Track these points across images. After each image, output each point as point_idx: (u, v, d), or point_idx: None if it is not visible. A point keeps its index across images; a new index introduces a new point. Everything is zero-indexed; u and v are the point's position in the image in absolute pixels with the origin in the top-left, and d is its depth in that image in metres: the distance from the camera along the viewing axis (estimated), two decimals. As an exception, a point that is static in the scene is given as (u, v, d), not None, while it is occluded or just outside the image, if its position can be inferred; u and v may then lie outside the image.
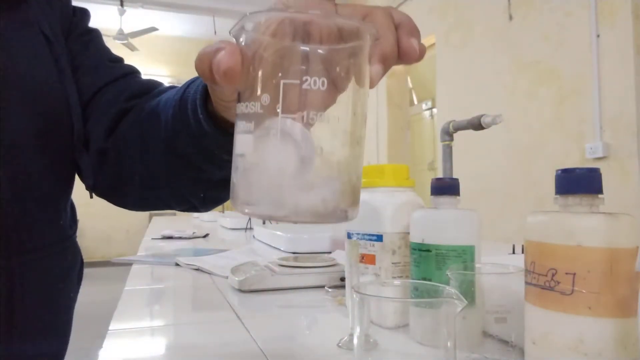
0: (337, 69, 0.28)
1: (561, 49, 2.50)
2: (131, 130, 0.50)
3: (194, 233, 1.74)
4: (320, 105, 0.27)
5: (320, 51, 0.27)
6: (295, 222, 0.27)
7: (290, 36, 0.27)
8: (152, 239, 1.65)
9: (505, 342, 0.42)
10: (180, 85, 0.50)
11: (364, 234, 0.55)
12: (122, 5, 4.57)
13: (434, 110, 4.71)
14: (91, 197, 0.56)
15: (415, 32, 0.30)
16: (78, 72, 0.55)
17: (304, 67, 0.27)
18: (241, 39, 0.28)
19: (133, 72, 0.58)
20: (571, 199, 0.35)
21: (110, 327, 0.56)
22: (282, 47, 0.27)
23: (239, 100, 0.28)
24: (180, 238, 1.65)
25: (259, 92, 0.27)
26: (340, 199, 0.26)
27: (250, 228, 1.95)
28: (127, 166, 0.51)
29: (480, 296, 0.42)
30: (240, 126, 0.27)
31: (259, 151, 0.26)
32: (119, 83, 0.55)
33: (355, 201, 0.27)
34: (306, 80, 0.26)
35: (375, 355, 0.32)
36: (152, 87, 0.55)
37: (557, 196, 0.36)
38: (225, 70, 0.27)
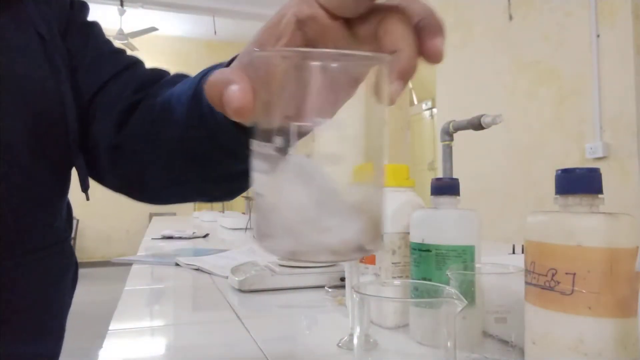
0: (353, 93, 0.27)
1: (561, 49, 2.50)
2: (143, 127, 0.49)
3: (194, 233, 1.74)
4: (337, 142, 0.26)
5: (334, 65, 0.26)
6: (316, 262, 0.27)
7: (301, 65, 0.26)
8: (152, 239, 1.65)
9: (505, 342, 0.42)
10: (190, 76, 0.48)
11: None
12: (122, 5, 4.56)
13: (434, 110, 4.71)
14: (87, 199, 0.55)
15: (438, 30, 0.28)
16: (80, 69, 0.54)
17: (317, 104, 0.26)
18: (251, 72, 0.27)
19: (136, 62, 0.56)
20: (571, 199, 0.35)
21: (110, 327, 0.57)
22: (295, 82, 0.26)
23: (253, 135, 0.27)
24: (180, 238, 1.65)
25: (272, 133, 0.26)
26: (360, 237, 0.26)
27: (250, 228, 1.95)
28: (142, 163, 0.50)
29: (480, 296, 0.42)
30: (257, 165, 0.27)
31: (276, 194, 0.26)
32: (123, 76, 0.54)
33: (376, 235, 0.27)
34: (320, 122, 0.25)
35: (375, 355, 0.32)
36: (159, 76, 0.54)
37: (557, 196, 0.36)
38: (236, 108, 0.26)
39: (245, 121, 0.27)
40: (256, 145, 0.27)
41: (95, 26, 0.58)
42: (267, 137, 0.26)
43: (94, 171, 0.55)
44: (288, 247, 0.25)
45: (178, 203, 0.54)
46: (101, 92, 0.53)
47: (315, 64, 0.25)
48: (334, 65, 0.26)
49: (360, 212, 0.26)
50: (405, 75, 0.27)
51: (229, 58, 0.39)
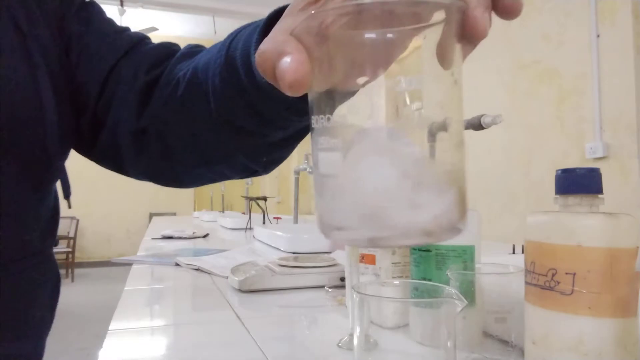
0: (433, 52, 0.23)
1: (561, 49, 2.50)
2: (170, 106, 0.45)
3: (194, 233, 1.74)
4: (418, 105, 0.23)
5: (403, 16, 0.22)
6: (403, 246, 0.24)
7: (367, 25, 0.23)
8: (152, 239, 1.65)
9: (505, 342, 0.42)
10: (205, 47, 0.45)
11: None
12: (122, 5, 4.56)
13: (434, 110, 4.71)
14: (69, 207, 0.50)
15: None
16: (84, 55, 0.49)
17: (393, 62, 0.22)
18: (309, 37, 0.24)
19: (143, 39, 0.52)
20: (571, 199, 0.35)
21: (110, 327, 0.56)
22: (361, 39, 0.23)
23: (313, 111, 0.24)
24: (180, 238, 1.65)
25: (341, 102, 0.23)
26: (452, 213, 0.22)
27: (250, 228, 1.95)
28: (173, 146, 0.46)
29: (480, 296, 0.42)
30: (322, 143, 0.23)
31: (353, 170, 0.22)
32: (133, 55, 0.49)
33: (465, 211, 0.23)
34: (399, 81, 0.22)
35: (375, 355, 0.32)
36: (170, 50, 0.50)
37: (557, 196, 0.36)
38: (291, 82, 0.23)
39: (300, 94, 0.24)
40: (322, 122, 0.23)
41: (94, 6, 0.53)
42: (331, 108, 0.23)
43: (113, 162, 0.51)
44: (368, 232, 0.22)
45: (210, 183, 0.51)
46: (112, 76, 0.48)
47: (384, 15, 0.22)
48: (404, 16, 0.22)
49: (451, 185, 0.23)
50: (473, 32, 0.23)
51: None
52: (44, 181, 0.48)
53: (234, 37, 0.38)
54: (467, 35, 0.23)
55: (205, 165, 0.47)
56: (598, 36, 2.29)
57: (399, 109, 0.22)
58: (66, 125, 0.48)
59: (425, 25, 0.23)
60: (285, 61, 0.23)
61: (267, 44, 0.25)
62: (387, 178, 0.22)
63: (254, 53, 0.32)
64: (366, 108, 0.23)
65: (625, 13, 2.18)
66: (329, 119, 0.23)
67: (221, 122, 0.41)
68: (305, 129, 0.41)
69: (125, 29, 0.53)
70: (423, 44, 0.23)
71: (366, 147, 0.22)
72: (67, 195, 0.50)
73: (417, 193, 0.22)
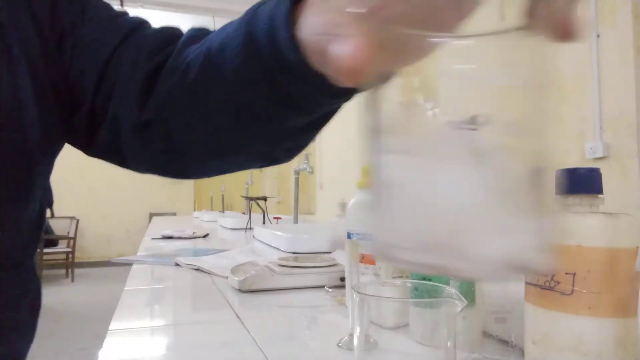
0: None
1: (561, 49, 2.50)
2: (178, 95, 0.41)
3: (194, 233, 1.74)
4: (509, 109, 0.19)
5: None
6: (480, 279, 0.20)
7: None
8: (152, 239, 1.65)
9: (505, 342, 0.42)
10: (211, 30, 0.42)
11: (364, 234, 0.55)
12: (122, 5, 4.57)
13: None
14: (52, 215, 0.49)
15: None
16: (78, 45, 0.46)
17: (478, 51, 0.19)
18: (365, 17, 0.21)
19: (142, 22, 0.48)
20: (571, 199, 0.35)
21: (110, 327, 0.57)
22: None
23: (375, 103, 0.20)
24: (180, 238, 1.65)
25: (415, 94, 0.20)
26: (543, 244, 0.18)
27: (250, 228, 1.95)
28: (181, 138, 0.43)
29: (480, 296, 0.42)
30: (387, 143, 0.19)
31: (426, 179, 0.18)
32: (131, 42, 0.45)
33: (555, 244, 0.19)
34: (489, 73, 0.19)
35: (375, 355, 0.32)
36: (173, 35, 0.45)
37: (557, 196, 0.36)
38: (348, 71, 0.20)
39: (358, 84, 0.21)
40: (387, 115, 0.20)
41: None
42: (407, 101, 0.20)
43: (114, 157, 0.48)
44: (439, 257, 0.18)
45: (222, 174, 0.48)
46: (110, 66, 0.44)
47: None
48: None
49: (541, 209, 0.18)
50: (558, 30, 0.19)
51: None
52: (25, 187, 0.45)
53: (252, 12, 0.34)
54: (550, 32, 0.20)
55: (218, 156, 0.44)
56: (598, 36, 2.29)
57: (493, 109, 0.19)
58: (50, 126, 0.45)
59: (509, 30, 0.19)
60: (344, 48, 0.20)
61: (318, 20, 0.22)
62: (468, 194, 0.18)
63: (284, 29, 0.29)
64: (454, 103, 0.19)
65: (625, 13, 2.18)
66: (401, 112, 0.19)
67: (240, 109, 0.37)
68: (332, 112, 0.38)
69: (123, 13, 0.49)
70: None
71: (452, 152, 0.18)
72: (49, 204, 0.47)
73: (505, 217, 0.18)
